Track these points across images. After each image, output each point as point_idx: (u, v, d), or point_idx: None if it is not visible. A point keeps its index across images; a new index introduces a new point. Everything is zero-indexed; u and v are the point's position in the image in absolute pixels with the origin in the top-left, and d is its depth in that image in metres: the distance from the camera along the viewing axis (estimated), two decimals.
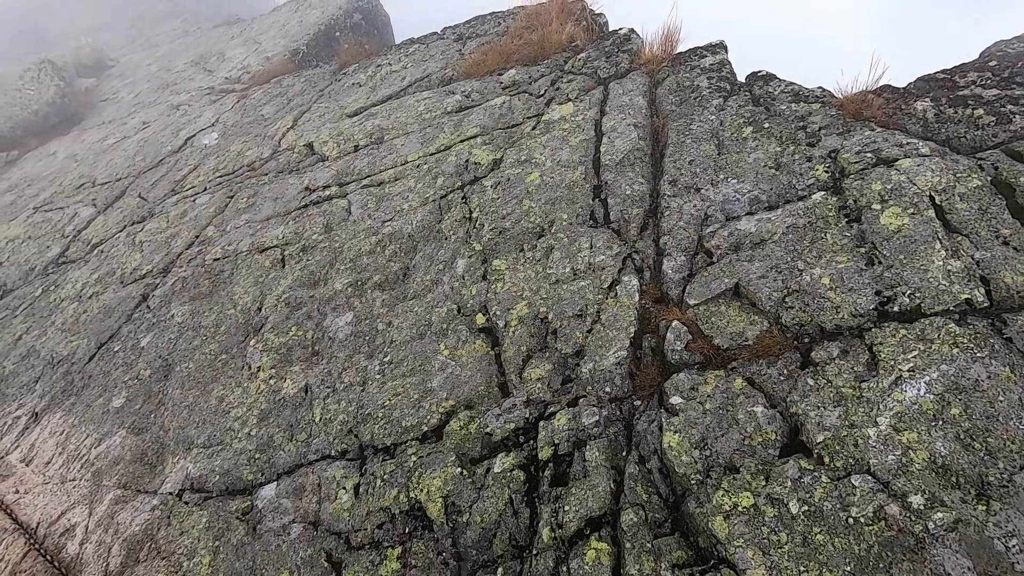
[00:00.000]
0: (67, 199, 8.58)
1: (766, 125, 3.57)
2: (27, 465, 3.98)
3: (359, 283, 4.06)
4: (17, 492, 3.80)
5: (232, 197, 6.12)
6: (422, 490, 2.64)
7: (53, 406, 4.44)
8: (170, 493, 3.30)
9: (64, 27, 29.12)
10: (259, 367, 3.80)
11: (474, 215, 4.08)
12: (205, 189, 6.70)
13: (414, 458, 2.80)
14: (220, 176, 6.80)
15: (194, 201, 6.43)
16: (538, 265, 3.42)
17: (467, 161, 4.61)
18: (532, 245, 3.57)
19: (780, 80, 3.92)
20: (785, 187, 3.14)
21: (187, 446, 3.53)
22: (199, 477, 3.29)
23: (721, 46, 4.47)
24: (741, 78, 4.20)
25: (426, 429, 2.92)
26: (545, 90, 5.00)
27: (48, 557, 3.14)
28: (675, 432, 2.31)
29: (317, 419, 3.28)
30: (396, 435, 2.97)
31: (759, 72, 4.08)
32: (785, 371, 2.34)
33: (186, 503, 3.18)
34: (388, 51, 8.14)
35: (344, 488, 2.84)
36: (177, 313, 4.72)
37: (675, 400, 2.43)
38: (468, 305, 3.44)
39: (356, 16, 12.04)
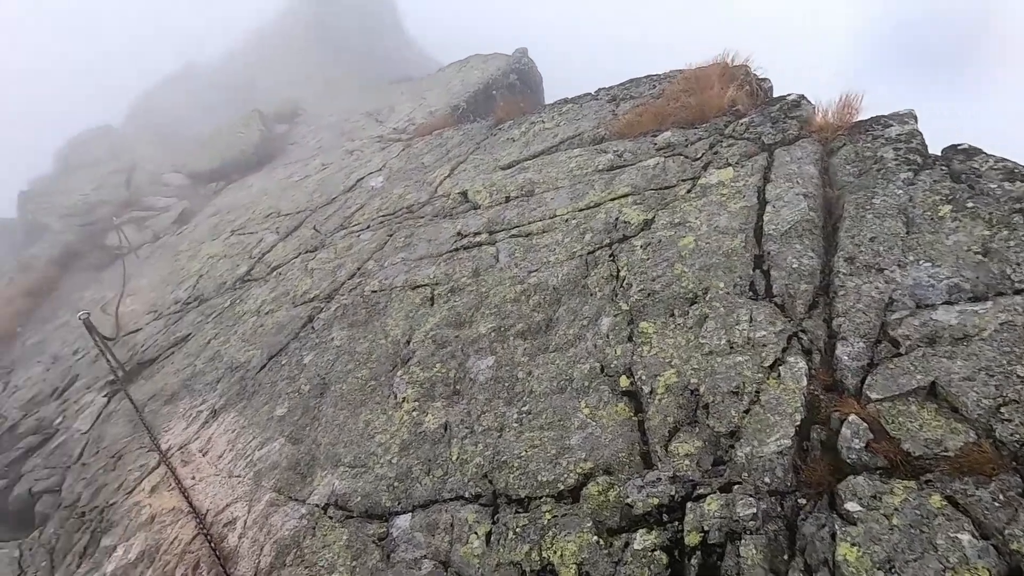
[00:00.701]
0: (257, 226, 10.01)
1: (969, 204, 3.17)
2: (203, 456, 4.54)
3: (502, 329, 4.20)
4: (193, 479, 4.33)
5: (391, 236, 6.72)
6: (555, 552, 2.57)
7: (228, 406, 5.07)
8: (317, 505, 3.56)
9: (271, 80, 34.71)
10: (404, 398, 4.03)
11: (621, 274, 4.06)
12: (368, 226, 7.44)
13: (548, 516, 2.76)
14: (382, 216, 7.53)
15: (359, 236, 7.15)
16: (689, 333, 3.29)
17: (616, 219, 4.64)
18: (683, 311, 3.45)
19: (987, 155, 3.49)
20: (996, 277, 2.74)
21: (335, 463, 3.81)
22: (343, 495, 3.52)
23: (910, 115, 4.11)
24: (935, 150, 3.81)
25: (562, 488, 2.87)
26: (702, 153, 4.93)
27: (212, 544, 3.52)
28: (853, 545, 2.04)
29: (454, 458, 3.37)
30: (531, 488, 2.95)
31: (959, 145, 3.67)
32: (1001, 496, 1.98)
33: (330, 518, 3.41)
34: (541, 109, 8.59)
35: (476, 533, 2.87)
36: (337, 337, 5.21)
37: (852, 506, 2.15)
38: (611, 365, 3.39)
39: (512, 77, 12.94)
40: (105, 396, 6.63)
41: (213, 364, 5.92)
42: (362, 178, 9.58)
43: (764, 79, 5.80)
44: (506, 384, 3.72)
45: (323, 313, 5.72)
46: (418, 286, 5.31)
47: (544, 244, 4.89)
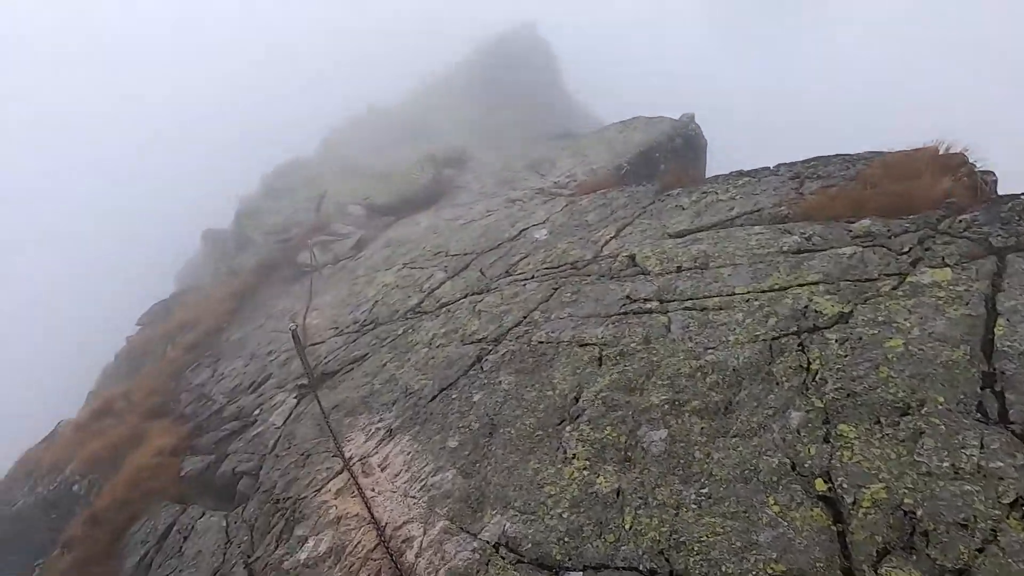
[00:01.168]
0: (427, 262, 11.06)
1: None
2: (382, 471, 5.07)
3: (676, 403, 4.23)
4: (373, 491, 4.85)
5: (557, 289, 7.07)
6: None
7: (403, 428, 5.61)
8: (488, 542, 3.81)
9: (438, 126, 38.46)
10: (574, 455, 4.20)
11: (813, 367, 3.92)
12: (533, 277, 7.90)
13: None
14: (547, 268, 7.95)
15: (524, 285, 7.62)
16: (901, 447, 3.08)
17: (806, 307, 4.50)
18: (892, 421, 3.25)
19: None
20: None
21: (505, 504, 4.06)
22: (514, 538, 3.74)
23: None
24: None
25: None
26: (910, 248, 4.63)
27: (393, 557, 3.91)
28: None
29: (627, 527, 3.44)
30: None
31: None
32: None
33: (502, 558, 3.63)
34: (714, 180, 8.59)
35: None
36: (504, 380, 5.57)
37: None
38: (804, 465, 3.27)
39: (678, 140, 13.10)
40: (295, 398, 7.65)
41: (389, 386, 6.60)
42: (526, 229, 10.21)
43: (988, 172, 5.32)
44: (682, 461, 3.73)
45: (491, 355, 6.16)
46: (586, 344, 5.53)
47: (721, 322, 4.87)
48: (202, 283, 22.25)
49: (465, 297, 8.29)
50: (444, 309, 8.17)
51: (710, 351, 4.56)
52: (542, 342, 5.93)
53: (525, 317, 6.71)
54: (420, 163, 18.95)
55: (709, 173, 12.23)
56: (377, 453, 5.39)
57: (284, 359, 9.69)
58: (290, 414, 7.32)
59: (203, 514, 5.98)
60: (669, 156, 12.84)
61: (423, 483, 4.66)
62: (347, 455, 5.57)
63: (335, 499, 4.97)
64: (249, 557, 4.91)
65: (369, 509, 4.51)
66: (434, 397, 5.94)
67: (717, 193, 7.84)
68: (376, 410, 6.23)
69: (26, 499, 9.82)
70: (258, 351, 10.97)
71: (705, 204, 7.71)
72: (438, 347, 7.00)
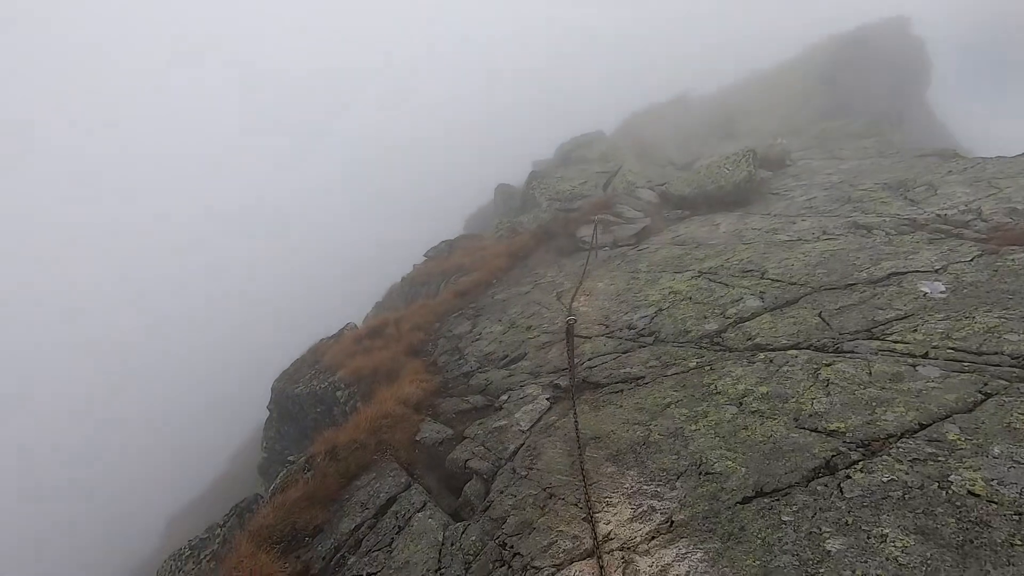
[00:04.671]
0: (731, 278, 8.77)
1: None
2: None
3: None
4: None
5: (989, 397, 4.23)
6: None
7: (692, 532, 3.75)
8: None
9: (751, 125, 34.13)
10: None
11: None
12: (927, 355, 5.08)
13: None
14: (956, 350, 5.03)
15: (914, 368, 4.88)
16: None
17: None
18: None
19: None
20: None
21: None
22: None
23: None
24: None
25: None
26: None
27: None
28: None
29: None
30: None
31: None
32: None
33: None
34: None
35: None
36: (893, 538, 3.23)
37: None
38: None
39: None
40: (548, 400, 6.44)
41: (673, 444, 4.78)
42: (902, 273, 7.09)
43: None
44: None
45: (857, 471, 3.81)
46: None
47: None
48: (485, 231, 23.61)
49: (796, 348, 5.89)
50: (762, 355, 5.91)
51: None
52: (976, 496, 3.36)
53: (924, 428, 4.11)
54: (735, 157, 16.16)
55: None
56: (649, 555, 3.65)
57: (543, 342, 8.68)
58: (539, 419, 6.11)
59: (424, 506, 5.15)
60: None
61: None
62: (603, 529, 3.98)
63: None
64: None
65: None
66: (747, 500, 3.91)
67: None
68: (652, 475, 4.49)
69: (305, 387, 11.04)
70: (518, 320, 10.28)
71: None
72: (754, 414, 4.87)
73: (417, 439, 6.43)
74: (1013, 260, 6.66)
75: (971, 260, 6.97)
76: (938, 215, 9.80)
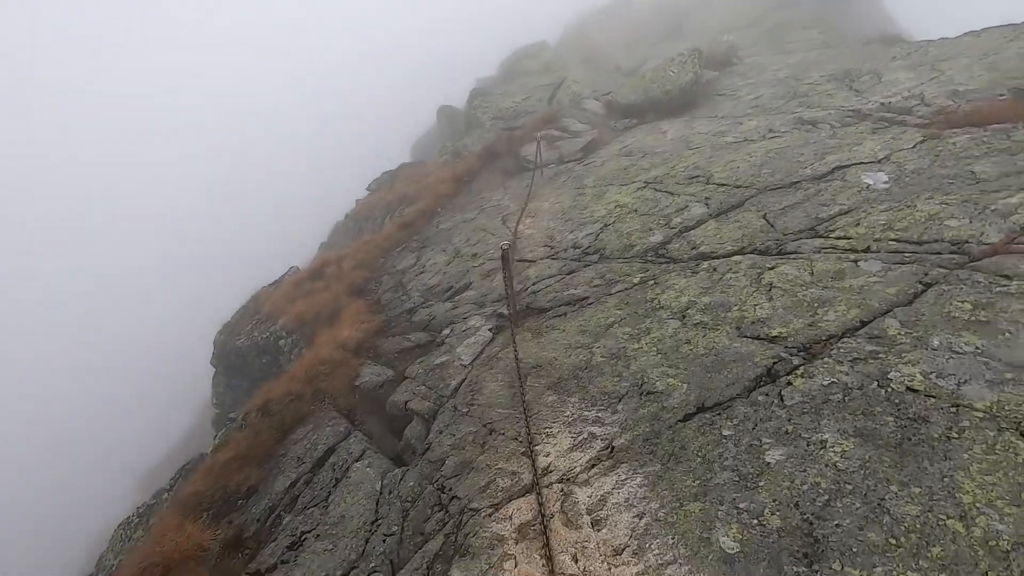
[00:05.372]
0: (677, 186, 8.42)
1: None
2: (594, 528, 3.17)
3: None
4: (575, 561, 2.99)
5: (929, 287, 4.10)
6: None
7: (633, 456, 3.59)
8: None
9: (699, 24, 32.75)
10: None
11: None
12: (868, 249, 4.92)
13: None
14: (898, 241, 4.87)
15: (856, 264, 4.72)
16: None
17: None
18: None
19: None
20: None
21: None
22: None
23: None
24: None
25: None
26: None
27: None
28: None
29: None
30: None
31: None
32: None
33: None
34: None
35: None
36: (833, 444, 3.11)
37: None
38: None
39: None
40: (491, 330, 6.14)
41: (615, 366, 4.57)
42: (845, 166, 6.86)
43: None
44: None
45: (798, 377, 3.67)
46: None
47: None
48: (430, 159, 22.46)
49: (741, 254, 5.67)
50: (706, 265, 5.68)
51: None
52: (917, 391, 3.24)
53: (866, 325, 3.97)
54: (680, 59, 15.37)
55: None
56: (588, 485, 3.49)
57: (488, 269, 8.30)
58: (481, 351, 5.83)
59: (363, 454, 4.89)
60: None
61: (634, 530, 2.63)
62: (543, 461, 3.79)
63: (515, 544, 3.26)
64: (393, 565, 3.56)
65: None
66: (688, 417, 3.75)
67: None
68: (593, 400, 4.29)
69: (247, 339, 10.49)
70: (463, 248, 9.82)
71: None
72: (696, 327, 4.68)
73: (357, 384, 6.10)
74: (954, 143, 6.48)
75: (913, 147, 6.77)
76: (882, 103, 9.54)
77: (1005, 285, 3.84)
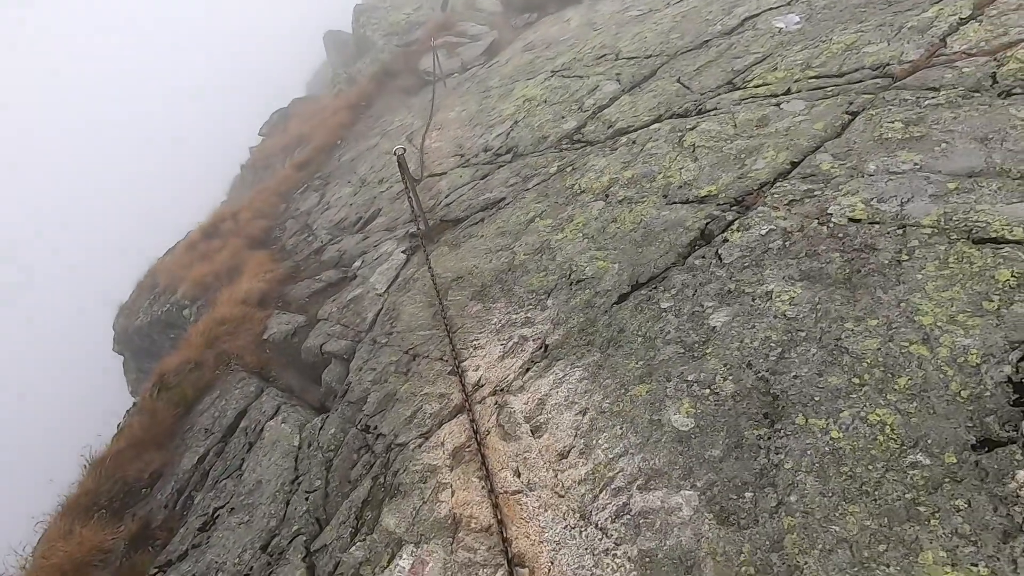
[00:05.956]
0: (586, 68, 7.75)
1: None
2: (533, 435, 2.78)
3: None
4: (518, 476, 2.62)
5: (855, 115, 3.77)
6: None
7: (569, 351, 3.18)
8: None
9: None
10: None
11: None
12: (789, 92, 4.53)
13: None
14: (818, 78, 4.50)
15: (778, 107, 4.33)
16: None
17: None
18: None
19: None
20: None
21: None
22: None
23: None
24: None
25: None
26: None
27: None
28: None
29: None
30: None
31: None
32: None
33: None
34: None
35: None
36: (778, 292, 2.79)
37: None
38: None
39: None
40: (404, 252, 5.51)
41: (540, 261, 4.09)
42: (755, 15, 6.38)
43: None
44: None
45: (737, 234, 3.30)
46: (985, 241, 2.48)
47: None
48: (325, 92, 20.47)
49: (659, 122, 5.19)
50: (624, 139, 5.19)
51: None
52: (859, 221, 2.93)
53: (797, 164, 3.62)
54: None
55: None
56: (524, 391, 3.07)
57: (397, 192, 7.52)
58: (396, 276, 5.23)
59: (277, 411, 4.30)
60: None
61: (619, 494, 2.30)
62: (472, 378, 3.34)
63: (450, 472, 2.83)
64: (311, 541, 3.09)
65: (504, 540, 2.29)
66: (623, 297, 3.36)
67: None
68: (520, 300, 3.82)
69: (147, 316, 9.39)
70: (368, 177, 8.93)
71: None
72: (621, 203, 4.22)
73: (265, 338, 5.41)
74: None
75: None
76: None
77: (933, 97, 3.54)
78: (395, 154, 4.67)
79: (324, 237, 7.49)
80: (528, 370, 3.23)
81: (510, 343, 3.50)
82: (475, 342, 3.68)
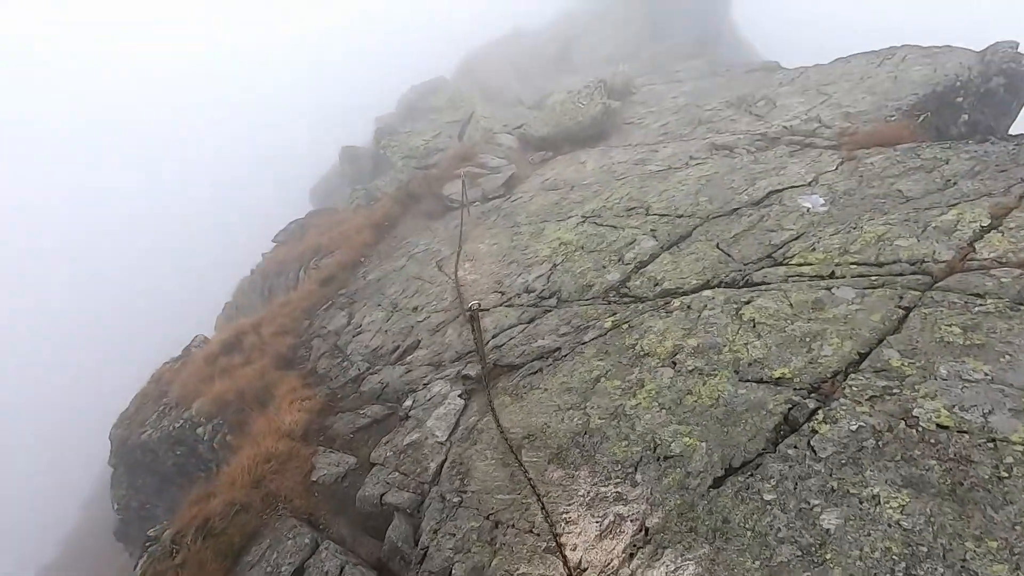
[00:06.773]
0: (617, 219, 8.41)
1: None
2: None
3: None
4: None
5: (910, 310, 4.18)
6: None
7: (675, 538, 3.23)
8: None
9: (586, 54, 34.50)
10: None
11: None
12: (834, 274, 5.02)
13: None
14: (859, 264, 5.02)
15: (830, 292, 4.77)
16: None
17: None
18: None
19: None
20: None
21: None
22: None
23: None
24: None
25: None
26: None
27: None
28: None
29: None
30: None
31: None
32: None
33: None
34: None
35: None
36: (885, 498, 2.94)
37: None
38: None
39: (996, 81, 8.99)
40: (461, 397, 5.59)
41: (619, 428, 4.23)
42: (778, 191, 7.15)
43: None
44: None
45: (825, 425, 3.52)
46: None
47: None
48: (337, 203, 21.38)
49: (708, 288, 5.61)
50: (677, 302, 5.56)
51: None
52: (945, 428, 3.18)
53: (864, 357, 3.94)
54: (587, 90, 15.88)
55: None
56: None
57: (436, 323, 7.73)
58: (456, 423, 5.27)
59: (342, 571, 4.13)
60: (976, 102, 8.86)
61: None
62: (572, 561, 3.33)
63: None
64: None
65: None
66: (719, 481, 3.47)
67: None
68: (607, 471, 3.90)
69: (154, 430, 9.04)
70: (400, 301, 9.17)
71: None
72: (693, 374, 4.47)
73: (314, 479, 5.29)
74: (871, 163, 6.96)
75: (836, 168, 7.22)
76: (784, 127, 10.26)
77: (981, 304, 3.98)
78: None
79: (360, 365, 7.55)
80: (633, 556, 3.24)
81: (606, 521, 3.53)
82: (565, 515, 3.70)
